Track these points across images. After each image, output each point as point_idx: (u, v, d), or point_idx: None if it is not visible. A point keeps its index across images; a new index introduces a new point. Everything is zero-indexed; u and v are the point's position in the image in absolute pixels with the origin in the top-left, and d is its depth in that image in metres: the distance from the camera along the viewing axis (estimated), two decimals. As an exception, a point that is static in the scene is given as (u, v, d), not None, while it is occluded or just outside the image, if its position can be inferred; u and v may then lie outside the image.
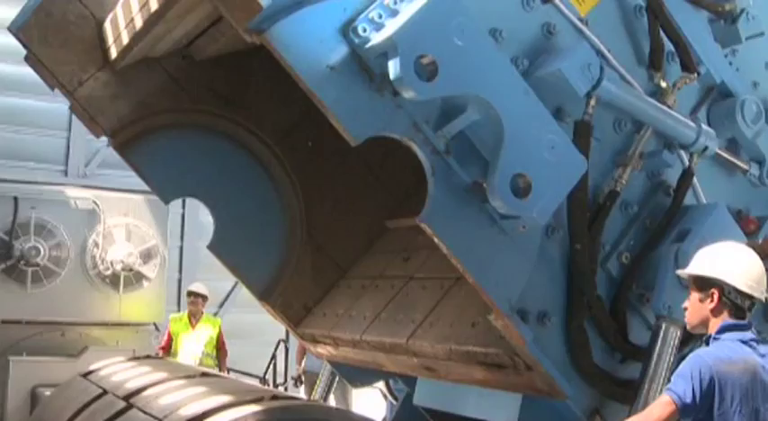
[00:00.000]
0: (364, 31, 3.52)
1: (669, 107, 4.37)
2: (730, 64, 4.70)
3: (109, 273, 11.39)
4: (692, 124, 4.36)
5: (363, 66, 3.56)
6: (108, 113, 5.21)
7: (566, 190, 3.72)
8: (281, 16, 3.47)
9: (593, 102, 4.02)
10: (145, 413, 4.57)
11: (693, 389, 3.49)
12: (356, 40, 3.52)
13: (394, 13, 3.56)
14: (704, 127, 4.39)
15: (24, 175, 12.12)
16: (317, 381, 6.42)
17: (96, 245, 11.38)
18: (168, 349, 10.14)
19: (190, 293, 10.41)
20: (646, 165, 4.34)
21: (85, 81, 5.14)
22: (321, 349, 5.65)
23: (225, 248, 5.58)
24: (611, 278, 4.26)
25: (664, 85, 4.40)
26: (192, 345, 10.01)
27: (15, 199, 11.20)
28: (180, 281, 13.74)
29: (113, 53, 5.07)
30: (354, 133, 3.58)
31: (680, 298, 4.00)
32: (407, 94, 3.45)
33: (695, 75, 4.41)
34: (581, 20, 4.26)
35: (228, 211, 5.55)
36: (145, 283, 11.60)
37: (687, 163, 4.40)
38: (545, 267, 4.05)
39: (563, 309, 4.09)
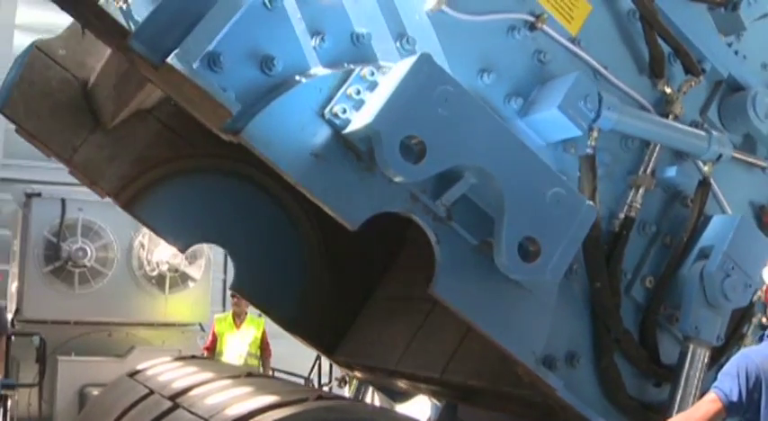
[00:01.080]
0: (344, 111, 3.38)
1: (676, 116, 4.17)
2: (736, 53, 4.46)
3: (155, 273, 11.46)
4: (701, 133, 4.17)
5: (348, 145, 3.42)
6: (108, 175, 5.13)
7: (578, 242, 3.58)
8: (256, 110, 3.33)
9: (595, 134, 3.84)
10: (191, 413, 4.56)
11: (740, 387, 3.49)
12: (337, 122, 3.38)
13: (372, 86, 3.42)
14: (714, 134, 4.19)
15: (71, 178, 12.10)
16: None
17: (142, 246, 11.42)
18: (213, 349, 10.23)
19: (234, 294, 10.44)
20: (659, 180, 4.16)
21: (79, 146, 5.05)
22: (358, 373, 5.64)
23: (248, 287, 5.54)
24: (637, 304, 4.15)
25: (668, 90, 4.20)
26: (237, 345, 10.08)
27: (63, 201, 11.25)
28: (225, 281, 13.63)
29: (103, 114, 4.96)
30: (350, 219, 3.46)
31: (707, 318, 3.90)
32: (397, 179, 3.32)
33: (700, 77, 4.18)
34: (573, 40, 4.04)
35: (246, 250, 5.49)
36: (190, 284, 11.64)
37: (702, 173, 4.20)
38: (567, 307, 3.94)
39: (591, 347, 4.00)
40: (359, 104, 3.39)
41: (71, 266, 11.34)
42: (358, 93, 3.40)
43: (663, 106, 4.21)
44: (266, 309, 5.63)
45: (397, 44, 3.65)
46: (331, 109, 3.38)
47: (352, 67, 3.50)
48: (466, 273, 3.64)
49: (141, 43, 3.16)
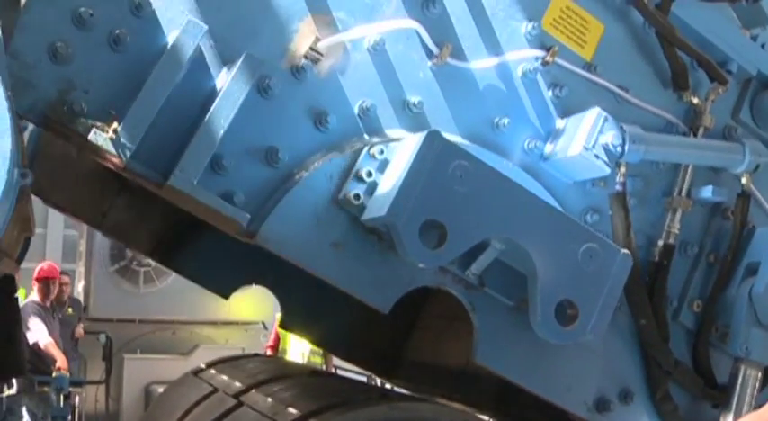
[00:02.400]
0: (357, 197, 3.28)
1: (707, 128, 3.97)
2: (763, 46, 4.21)
3: (219, 272, 11.48)
4: (735, 145, 3.96)
5: (368, 228, 3.33)
6: (141, 234, 5.11)
7: (617, 295, 3.45)
8: (267, 210, 3.26)
9: (623, 169, 3.67)
10: (254, 411, 4.58)
11: None
12: (353, 208, 3.28)
13: (383, 165, 3.32)
14: (748, 143, 3.97)
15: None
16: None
17: (206, 245, 11.45)
18: (276, 347, 10.32)
19: None
20: (696, 199, 3.99)
21: (108, 211, 5.04)
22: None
23: (297, 324, 5.52)
24: (687, 330, 4.01)
25: (696, 101, 3.98)
26: (300, 344, 10.15)
27: (128, 201, 11.34)
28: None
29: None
30: (381, 304, 3.39)
31: (758, 338, 3.78)
32: (421, 265, 3.23)
33: (727, 84, 3.96)
34: (588, 66, 3.84)
35: (289, 287, 5.45)
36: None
37: (741, 185, 4.02)
38: (616, 344, 3.84)
39: (644, 381, 3.90)
40: (372, 187, 3.29)
41: (136, 266, 11.54)
42: (369, 175, 3.30)
43: (691, 119, 4.00)
44: (318, 342, 5.61)
45: (405, 108, 3.51)
46: (344, 195, 3.28)
47: (360, 144, 3.39)
48: (506, 336, 3.56)
49: (139, 164, 3.09)
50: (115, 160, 3.03)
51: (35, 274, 11.33)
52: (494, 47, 3.67)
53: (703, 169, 4.02)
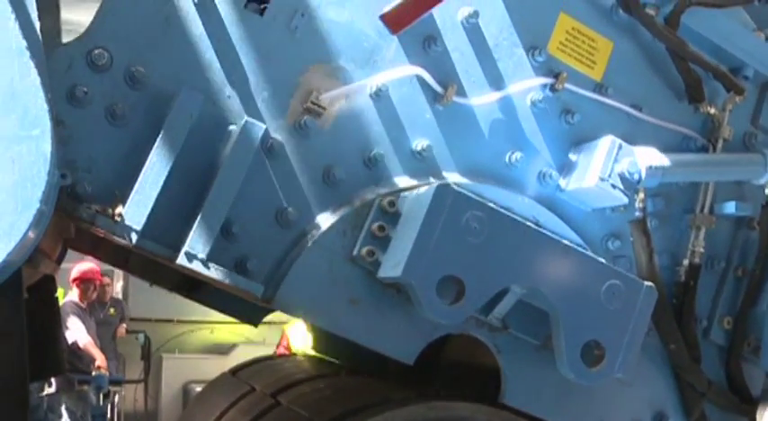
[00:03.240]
0: (371, 254, 3.23)
1: (726, 139, 3.86)
2: (778, 46, 4.08)
3: (256, 272, 11.50)
4: (755, 157, 3.85)
5: (385, 283, 3.28)
6: (164, 273, 5.09)
7: (643, 329, 3.38)
8: (281, 274, 3.22)
9: (641, 195, 3.59)
10: (292, 410, 4.59)
11: None
12: (368, 265, 3.24)
13: (395, 219, 3.26)
14: None
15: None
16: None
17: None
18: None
19: None
20: (719, 215, 3.89)
21: (130, 255, 5.02)
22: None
23: (328, 349, 5.52)
24: (719, 348, 3.95)
25: (713, 111, 3.88)
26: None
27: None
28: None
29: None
30: (404, 356, 3.36)
31: (788, 352, 3.71)
32: (440, 322, 3.19)
33: (744, 93, 3.85)
34: (600, 87, 3.74)
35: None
36: (291, 282, 11.62)
37: (765, 195, 3.91)
38: (647, 369, 3.79)
39: (678, 402, 3.84)
40: (385, 243, 3.23)
41: (174, 265, 11.50)
42: (382, 229, 3.25)
43: (709, 130, 3.90)
44: (354, 367, 5.57)
45: (413, 154, 3.44)
46: (359, 252, 3.23)
47: (370, 195, 3.33)
48: (534, 375, 3.52)
49: (148, 241, 3.05)
50: (123, 241, 2.99)
51: (74, 275, 11.41)
52: (500, 79, 3.58)
53: (725, 182, 3.91)
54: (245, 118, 3.11)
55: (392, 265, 3.12)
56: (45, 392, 11.32)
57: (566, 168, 3.64)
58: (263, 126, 3.14)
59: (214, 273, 3.02)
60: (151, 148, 3.03)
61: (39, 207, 2.33)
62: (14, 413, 2.79)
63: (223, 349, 11.77)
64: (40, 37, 2.58)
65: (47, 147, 2.36)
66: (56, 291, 4.66)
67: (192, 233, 3.01)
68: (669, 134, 3.85)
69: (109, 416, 12.08)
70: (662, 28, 3.66)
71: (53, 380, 10.75)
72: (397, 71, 3.34)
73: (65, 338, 9.73)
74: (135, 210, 2.95)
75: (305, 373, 5.44)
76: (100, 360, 11.54)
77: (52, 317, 4.64)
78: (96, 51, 3.02)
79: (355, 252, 3.23)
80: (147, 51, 3.10)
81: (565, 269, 3.25)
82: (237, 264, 3.18)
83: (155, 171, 2.99)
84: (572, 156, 3.64)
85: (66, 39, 3.12)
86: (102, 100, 3.06)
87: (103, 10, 3.07)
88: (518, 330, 3.45)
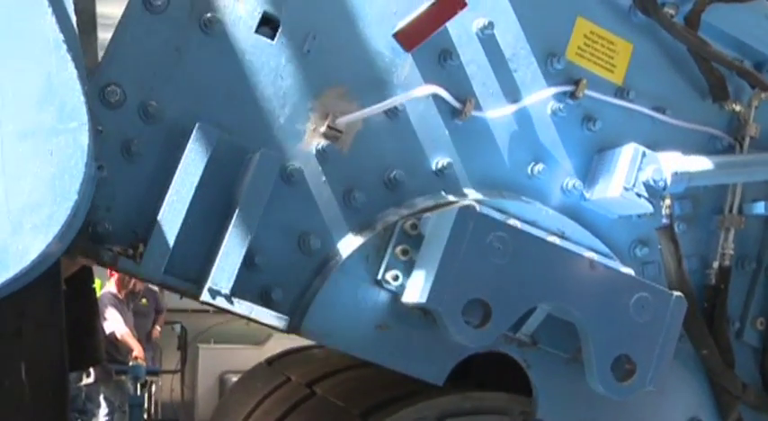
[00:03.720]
0: (396, 278, 3.21)
1: (752, 137, 3.78)
2: (806, 36, 3.97)
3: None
4: (784, 154, 3.77)
5: (411, 306, 3.26)
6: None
7: (674, 340, 3.33)
8: (306, 302, 3.21)
9: (668, 202, 3.52)
10: (327, 400, 4.62)
11: None
12: (393, 289, 3.22)
13: (418, 241, 3.23)
14: None
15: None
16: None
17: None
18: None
19: None
20: (749, 215, 3.83)
21: None
22: None
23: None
24: (753, 349, 3.90)
25: (738, 108, 3.80)
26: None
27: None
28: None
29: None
30: (434, 377, 3.34)
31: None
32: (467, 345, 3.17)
33: None
34: (621, 91, 3.68)
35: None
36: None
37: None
38: (680, 374, 3.75)
39: (713, 407, 3.80)
40: (409, 266, 3.21)
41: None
42: (406, 253, 3.22)
43: (735, 128, 3.83)
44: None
45: (433, 172, 3.40)
46: (383, 276, 3.21)
47: (392, 217, 3.30)
48: (566, 388, 3.49)
49: (172, 278, 3.05)
50: (146, 280, 2.99)
51: (113, 266, 11.47)
52: (518, 89, 3.52)
53: (754, 181, 3.84)
54: (262, 149, 3.07)
55: (417, 291, 3.09)
56: (84, 382, 11.49)
57: (589, 177, 3.57)
58: (281, 156, 3.10)
59: (239, 308, 3.01)
60: (169, 184, 3.01)
61: (76, 199, 2.36)
62: (54, 402, 2.84)
63: (258, 339, 11.81)
64: (77, 30, 2.58)
65: (84, 139, 2.39)
66: (93, 283, 4.73)
67: (214, 268, 2.99)
68: (694, 135, 3.78)
69: (146, 405, 12.23)
70: (681, 29, 3.57)
71: (91, 370, 10.91)
72: (414, 92, 3.29)
73: (102, 329, 9.83)
74: (156, 250, 2.94)
75: (340, 363, 5.40)
76: (137, 350, 11.67)
77: (90, 308, 4.71)
78: (109, 88, 3.00)
79: (380, 276, 3.21)
80: (159, 84, 3.08)
81: (592, 284, 3.21)
82: (262, 295, 3.17)
83: (174, 208, 2.98)
84: (595, 165, 3.57)
85: (101, 33, 3.09)
86: (117, 137, 3.04)
87: (113, 44, 3.04)
88: (547, 345, 3.42)
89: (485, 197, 3.38)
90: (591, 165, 3.60)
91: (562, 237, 3.41)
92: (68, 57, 2.40)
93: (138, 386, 11.62)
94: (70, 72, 2.40)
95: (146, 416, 11.49)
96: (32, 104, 2.37)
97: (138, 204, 3.06)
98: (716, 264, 3.76)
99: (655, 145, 3.67)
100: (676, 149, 3.67)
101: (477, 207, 3.13)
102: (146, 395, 12.13)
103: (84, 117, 2.40)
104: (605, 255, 3.46)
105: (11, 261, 2.30)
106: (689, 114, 3.78)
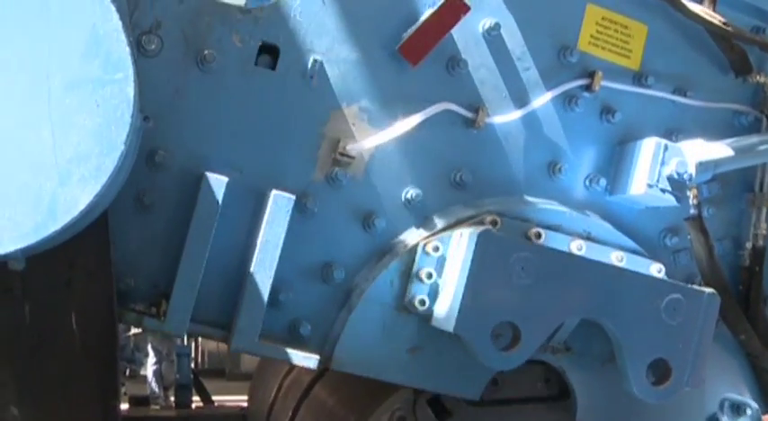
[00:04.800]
0: (423, 303, 3.17)
1: (779, 110, 3.66)
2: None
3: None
4: (813, 126, 3.64)
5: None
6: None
7: (709, 339, 3.28)
8: (334, 335, 3.21)
9: (695, 192, 3.42)
10: None
11: None
12: (421, 312, 3.19)
13: (441, 263, 3.19)
14: None
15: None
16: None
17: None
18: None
19: None
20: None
21: None
22: None
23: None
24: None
25: (763, 80, 3.66)
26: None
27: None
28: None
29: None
30: (471, 393, 3.35)
31: None
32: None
33: None
34: (639, 77, 3.55)
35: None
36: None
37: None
38: (722, 358, 3.70)
39: (754, 389, 3.77)
40: (435, 289, 3.17)
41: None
42: (430, 276, 3.17)
43: (761, 101, 3.70)
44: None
45: (452, 185, 3.33)
46: (410, 301, 3.18)
47: (413, 238, 3.25)
48: (604, 389, 3.47)
49: (198, 326, 3.05)
50: (173, 336, 3.00)
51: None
52: (533, 88, 3.43)
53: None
54: (275, 192, 3.02)
55: (444, 317, 3.07)
56: (132, 332, 11.71)
57: (612, 172, 3.49)
58: (295, 192, 3.05)
59: (268, 351, 3.03)
60: (185, 233, 2.98)
61: (123, 149, 2.38)
62: (104, 351, 2.89)
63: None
64: None
65: (129, 90, 2.40)
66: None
67: (239, 313, 2.99)
68: (718, 113, 3.66)
69: (192, 355, 12.43)
70: (697, 10, 3.41)
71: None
72: (426, 112, 3.20)
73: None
74: (179, 306, 2.94)
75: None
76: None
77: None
78: (114, 141, 2.95)
79: (406, 300, 3.18)
80: (164, 130, 3.03)
81: (620, 293, 3.16)
82: (290, 331, 3.17)
83: (192, 261, 2.96)
84: (617, 159, 3.48)
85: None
86: (128, 189, 2.99)
87: None
88: (581, 350, 3.39)
89: (504, 207, 3.30)
90: (613, 159, 3.49)
91: (588, 238, 3.35)
92: (112, 8, 2.39)
93: (186, 336, 11.79)
94: (115, 23, 2.39)
95: (192, 365, 11.71)
96: (78, 56, 2.38)
97: (157, 257, 3.05)
98: (749, 245, 3.67)
99: (678, 128, 3.59)
100: (700, 130, 3.59)
101: (497, 227, 3.10)
102: (193, 345, 12.31)
103: (130, 68, 2.41)
104: (634, 252, 3.39)
105: (59, 212, 2.34)
106: (711, 91, 3.65)
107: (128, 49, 2.41)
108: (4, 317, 2.78)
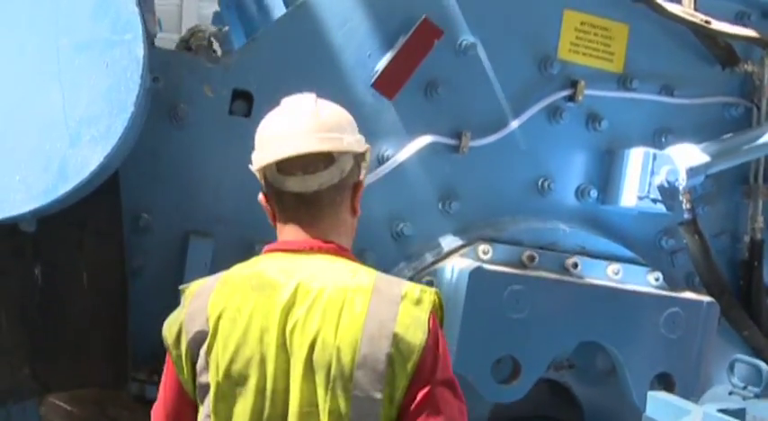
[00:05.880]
0: (421, 339, 3.16)
1: (768, 100, 3.57)
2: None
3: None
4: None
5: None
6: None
7: (711, 345, 3.28)
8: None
9: (687, 196, 3.37)
10: None
11: None
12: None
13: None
14: None
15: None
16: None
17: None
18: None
19: None
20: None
21: None
22: None
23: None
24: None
25: (750, 68, 3.58)
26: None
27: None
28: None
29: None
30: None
31: None
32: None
33: None
34: (622, 80, 3.48)
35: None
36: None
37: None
38: (728, 353, 3.68)
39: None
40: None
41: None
42: (426, 313, 3.15)
43: (750, 91, 3.62)
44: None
45: (441, 213, 3.30)
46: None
47: (405, 272, 3.22)
48: (611, 398, 3.47)
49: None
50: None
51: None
52: (515, 104, 3.36)
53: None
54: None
55: (444, 362, 3.05)
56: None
57: (602, 182, 3.44)
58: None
59: None
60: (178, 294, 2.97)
61: (133, 111, 2.40)
62: (116, 311, 2.90)
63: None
64: None
65: (139, 51, 2.41)
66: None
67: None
68: (706, 107, 3.59)
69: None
70: (677, 10, 3.31)
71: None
72: (407, 149, 3.15)
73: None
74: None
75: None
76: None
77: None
78: (98, 210, 2.93)
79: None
80: (145, 194, 3.00)
81: (617, 313, 3.16)
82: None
83: (186, 324, 2.94)
84: (606, 168, 3.43)
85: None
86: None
87: None
88: (585, 365, 3.39)
89: (495, 231, 3.27)
90: (602, 167, 3.44)
91: (583, 252, 3.32)
92: None
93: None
94: None
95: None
96: (87, 17, 2.40)
97: (153, 322, 3.03)
98: (747, 239, 3.63)
99: (667, 128, 3.54)
100: (690, 127, 3.54)
101: (488, 256, 3.08)
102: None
103: (139, 29, 2.41)
104: (630, 261, 3.36)
105: (70, 173, 2.37)
106: (698, 85, 3.59)
107: (136, 10, 2.42)
108: (16, 279, 2.79)
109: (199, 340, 1.91)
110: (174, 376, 2.00)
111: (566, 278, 3.15)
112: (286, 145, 1.98)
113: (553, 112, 3.38)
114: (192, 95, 3.02)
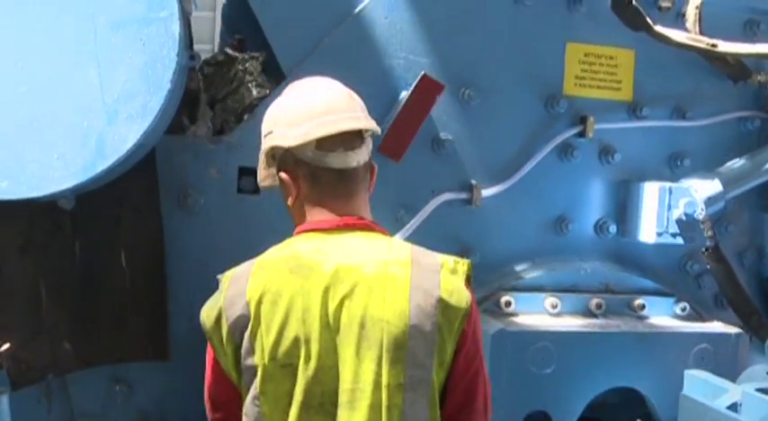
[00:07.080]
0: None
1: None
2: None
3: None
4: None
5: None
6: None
7: (740, 372, 3.25)
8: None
9: (708, 224, 3.32)
10: None
11: None
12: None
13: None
14: None
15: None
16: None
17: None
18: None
19: None
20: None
21: None
22: None
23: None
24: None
25: (764, 79, 3.49)
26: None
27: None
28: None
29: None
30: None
31: None
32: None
33: None
34: (633, 109, 3.41)
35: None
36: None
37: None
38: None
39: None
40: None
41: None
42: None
43: (766, 102, 3.52)
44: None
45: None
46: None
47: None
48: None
49: None
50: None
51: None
52: (526, 149, 3.31)
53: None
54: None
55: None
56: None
57: (619, 215, 3.40)
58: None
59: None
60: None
61: (170, 88, 2.42)
62: (153, 288, 2.96)
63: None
64: None
65: (175, 28, 2.43)
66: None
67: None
68: (721, 125, 3.50)
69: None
70: (682, 38, 3.22)
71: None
72: (421, 214, 3.14)
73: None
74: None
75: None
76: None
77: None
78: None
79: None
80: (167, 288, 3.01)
81: (645, 356, 3.13)
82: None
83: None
84: (623, 201, 3.39)
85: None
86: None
87: None
88: (617, 404, 3.37)
89: (516, 279, 3.25)
90: (618, 199, 3.39)
91: (607, 290, 3.29)
92: None
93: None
94: None
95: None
96: None
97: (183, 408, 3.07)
98: (768, 250, 3.58)
99: (682, 152, 3.46)
100: (706, 147, 3.47)
101: (510, 308, 3.08)
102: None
103: (175, 6, 2.43)
104: (657, 294, 3.33)
105: (108, 150, 2.39)
106: (711, 102, 3.50)
107: None
108: (55, 255, 2.84)
109: (240, 324, 1.93)
110: (215, 360, 2.03)
111: (589, 329, 3.13)
112: (331, 122, 2.01)
113: (564, 151, 3.33)
114: (196, 179, 3.01)
